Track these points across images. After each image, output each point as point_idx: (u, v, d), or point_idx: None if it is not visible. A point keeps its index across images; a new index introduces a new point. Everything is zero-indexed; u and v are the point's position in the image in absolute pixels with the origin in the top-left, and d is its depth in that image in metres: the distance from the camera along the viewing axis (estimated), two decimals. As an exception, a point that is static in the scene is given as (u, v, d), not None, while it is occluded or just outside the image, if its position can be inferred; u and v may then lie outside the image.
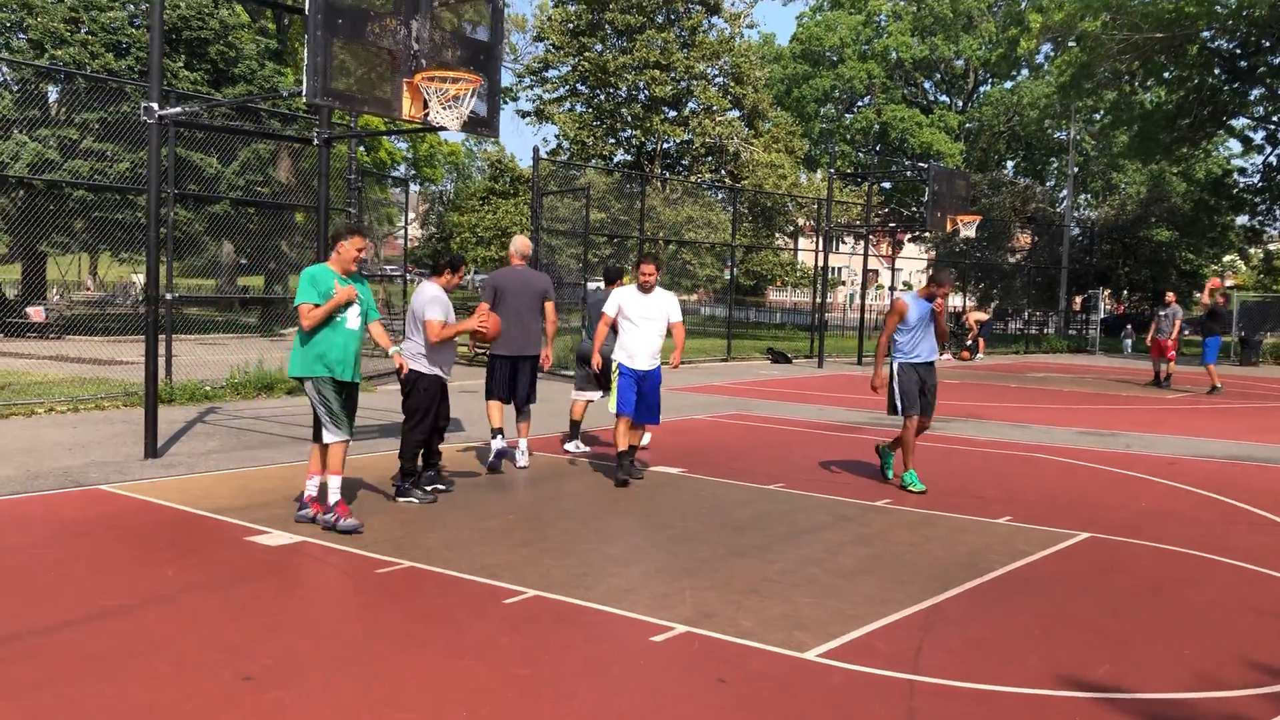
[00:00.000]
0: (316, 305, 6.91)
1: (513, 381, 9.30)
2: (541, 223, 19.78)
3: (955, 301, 48.86)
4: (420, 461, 8.12)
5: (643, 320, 8.87)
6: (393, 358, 7.66)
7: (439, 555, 6.40)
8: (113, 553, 6.31)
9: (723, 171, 35.71)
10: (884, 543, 7.12)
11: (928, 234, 41.57)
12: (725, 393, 16.25)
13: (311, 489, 7.21)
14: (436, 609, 5.45)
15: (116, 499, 7.67)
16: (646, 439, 10.26)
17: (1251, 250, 50.70)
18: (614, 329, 9.08)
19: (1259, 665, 4.92)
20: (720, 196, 35.02)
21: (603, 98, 35.75)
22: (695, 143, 34.96)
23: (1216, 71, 35.18)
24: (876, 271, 58.83)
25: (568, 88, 36.38)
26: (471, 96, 8.31)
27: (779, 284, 42.30)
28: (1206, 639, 5.32)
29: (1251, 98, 36.41)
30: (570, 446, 10.38)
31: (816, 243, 25.58)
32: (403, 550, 6.49)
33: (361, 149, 34.99)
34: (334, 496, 7.00)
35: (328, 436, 7.06)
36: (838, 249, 41.20)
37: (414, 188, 63.32)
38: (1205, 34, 32.74)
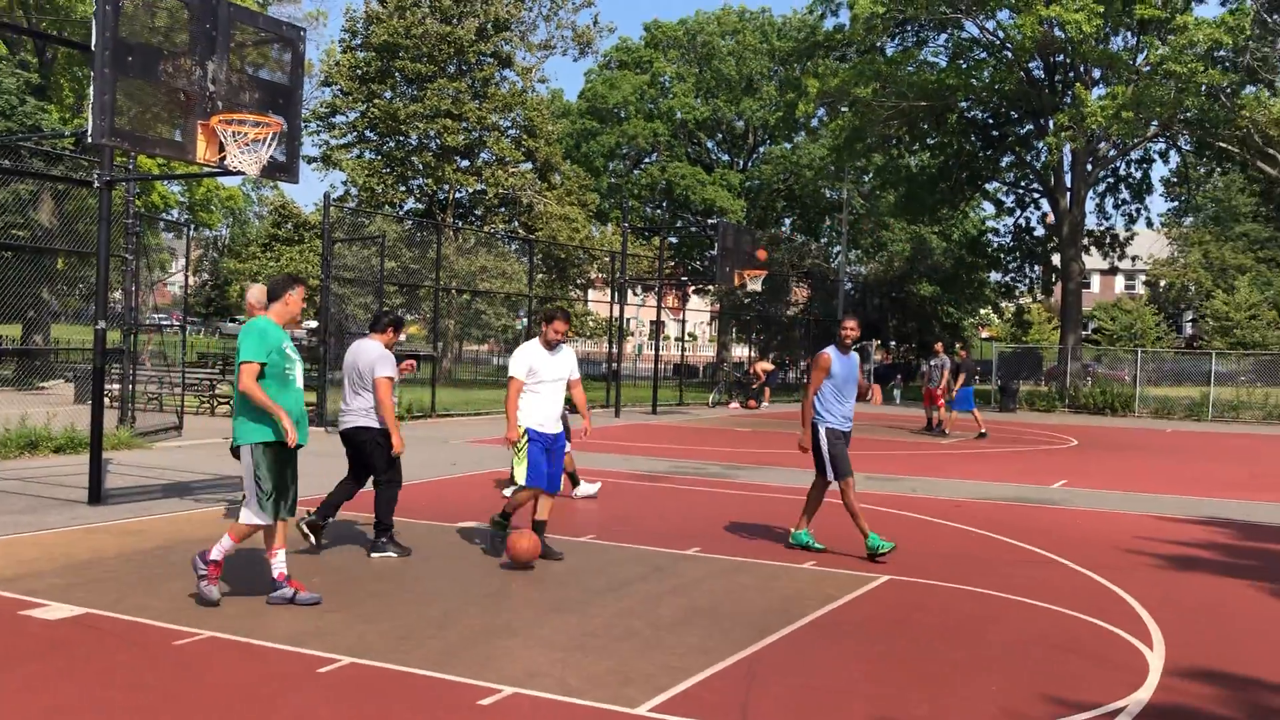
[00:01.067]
0: (263, 364, 6.27)
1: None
2: (331, 270, 19.22)
3: (740, 352, 50.53)
4: (320, 517, 8.13)
5: (554, 381, 8.06)
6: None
7: (241, 623, 6.01)
8: None
9: (516, 222, 35.78)
10: (700, 592, 7.18)
11: (713, 287, 42.85)
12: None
13: (279, 565, 6.50)
14: (244, 682, 5.10)
15: None
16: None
17: (1004, 304, 54.76)
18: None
19: (1058, 699, 5.21)
20: (514, 247, 35.05)
21: (393, 145, 35.28)
22: (489, 193, 34.94)
23: (973, 139, 38.05)
24: (664, 323, 60.06)
25: (356, 134, 35.71)
26: (272, 141, 8.00)
27: (571, 335, 42.56)
28: (1009, 675, 5.60)
29: (1003, 164, 39.56)
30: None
31: (611, 294, 25.91)
32: (201, 619, 6.06)
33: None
34: (216, 553, 6.40)
35: (246, 516, 6.36)
36: (627, 300, 41.87)
37: (191, 233, 60.29)
38: (963, 104, 35.39)
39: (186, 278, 18.78)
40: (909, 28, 36.40)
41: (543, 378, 8.00)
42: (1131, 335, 52.85)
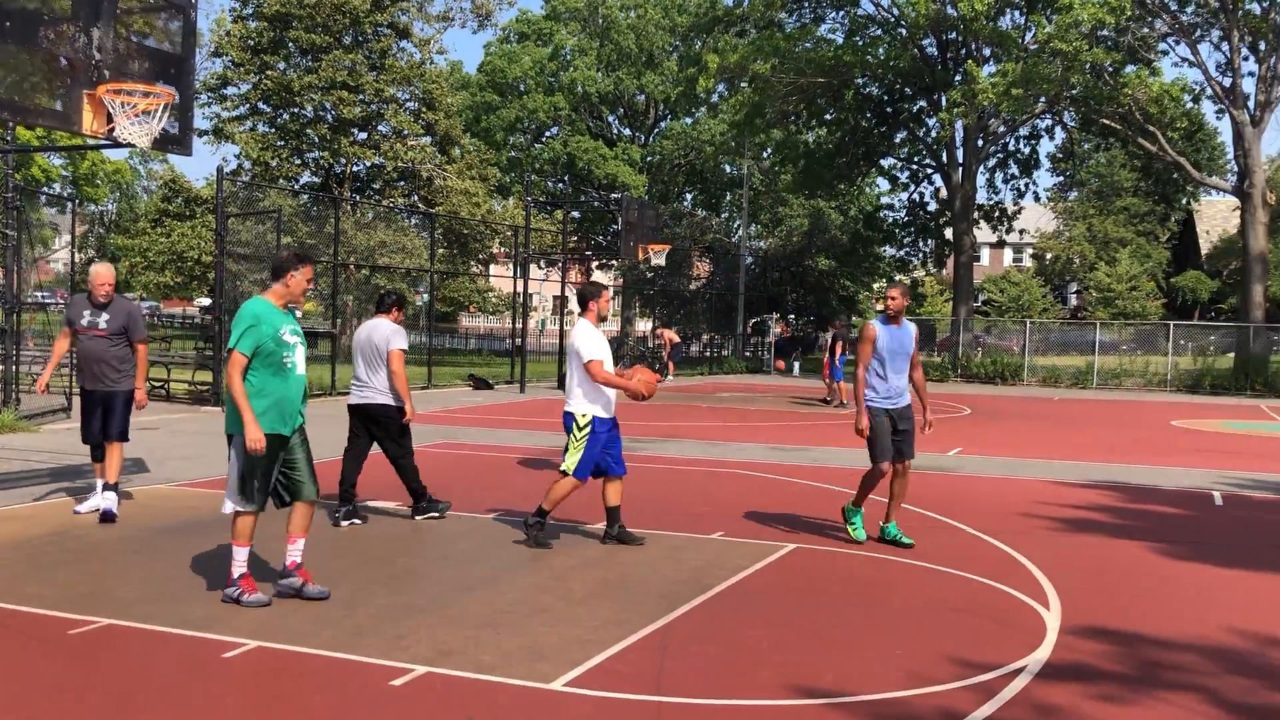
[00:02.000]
0: (246, 356, 5.90)
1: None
2: (225, 246, 18.69)
3: (643, 327, 50.67)
4: (348, 504, 8.46)
5: (609, 357, 7.75)
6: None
7: (138, 609, 5.84)
8: None
9: (416, 197, 35.23)
10: (612, 565, 7.22)
11: (617, 261, 42.87)
12: (430, 421, 15.97)
13: (295, 554, 6.21)
14: (145, 670, 4.97)
15: None
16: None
17: (899, 277, 55.93)
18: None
19: (962, 660, 5.38)
20: (414, 221, 34.53)
21: (287, 118, 34.38)
22: (387, 166, 34.31)
23: (869, 115, 38.65)
24: (568, 298, 59.90)
25: (248, 106, 34.70)
26: (164, 112, 7.74)
27: (473, 310, 42.20)
28: (914, 638, 5.76)
29: (898, 140, 40.30)
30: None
31: (514, 270, 25.73)
32: (97, 606, 5.88)
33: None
34: (238, 569, 6.03)
35: (230, 504, 6.04)
36: (531, 275, 41.63)
37: (75, 208, 57.99)
38: (859, 81, 35.91)
39: (73, 254, 18.07)
40: (806, 4, 36.77)
41: (605, 357, 7.64)
42: (1020, 307, 54.45)
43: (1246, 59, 31.53)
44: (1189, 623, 6.17)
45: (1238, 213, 35.03)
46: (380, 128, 35.41)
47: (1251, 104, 31.13)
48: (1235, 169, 33.61)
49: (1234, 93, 31.30)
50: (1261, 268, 32.44)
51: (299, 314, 6.63)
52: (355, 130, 34.73)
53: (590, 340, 7.59)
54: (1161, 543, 8.46)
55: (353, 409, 8.64)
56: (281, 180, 33.63)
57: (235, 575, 6.03)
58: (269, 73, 33.23)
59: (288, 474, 6.13)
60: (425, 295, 29.68)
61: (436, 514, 8.59)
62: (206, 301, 27.62)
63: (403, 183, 35.78)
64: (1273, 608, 6.51)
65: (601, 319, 7.80)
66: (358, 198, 34.99)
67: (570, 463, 7.59)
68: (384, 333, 8.41)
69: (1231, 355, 32.56)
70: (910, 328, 8.15)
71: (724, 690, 4.88)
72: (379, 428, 8.52)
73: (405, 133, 34.78)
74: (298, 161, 34.99)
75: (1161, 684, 5.11)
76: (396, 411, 8.44)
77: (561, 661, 5.18)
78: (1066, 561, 7.66)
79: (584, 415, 7.59)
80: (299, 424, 6.18)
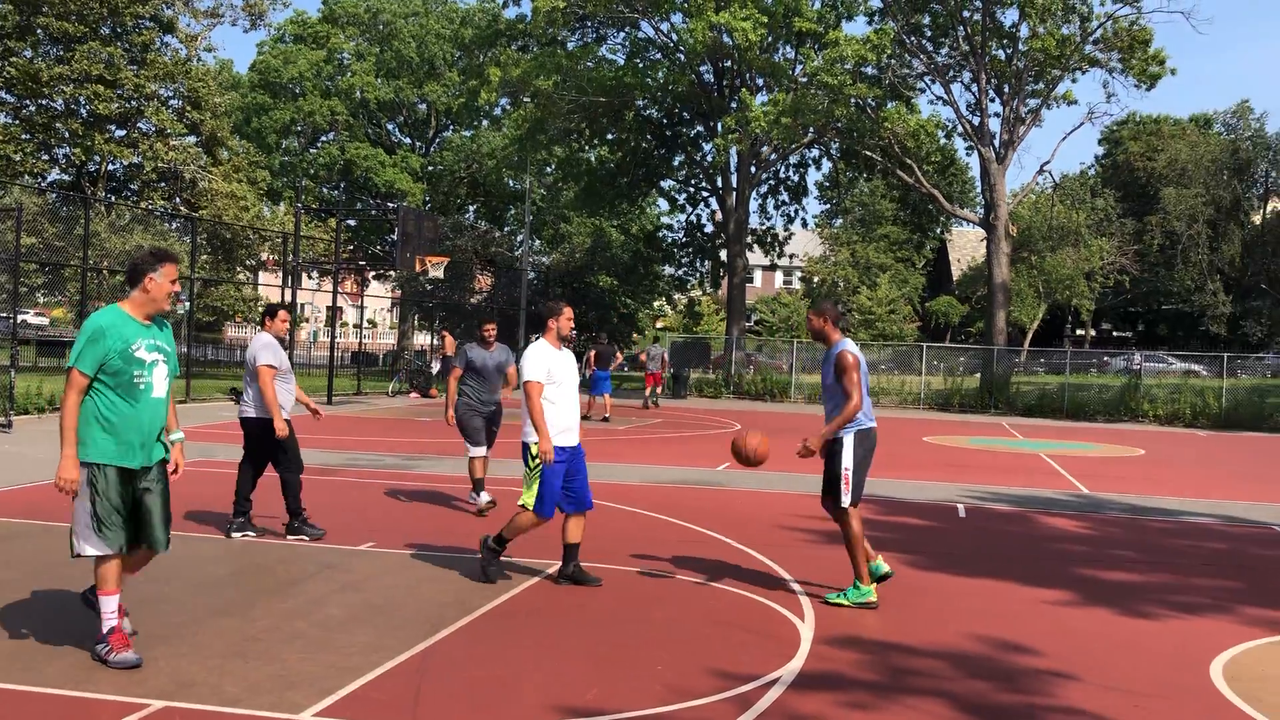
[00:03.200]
0: (85, 375, 5.08)
1: None
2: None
3: (422, 340, 49.76)
4: (242, 515, 8.57)
5: (571, 384, 7.16)
6: (173, 450, 5.48)
7: None
8: None
9: (178, 199, 33.37)
10: (373, 588, 6.98)
11: (393, 272, 41.96)
12: (189, 437, 15.07)
13: (111, 616, 5.22)
14: None
15: None
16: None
17: (678, 296, 57.26)
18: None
19: (721, 672, 5.48)
20: (175, 225, 32.69)
21: (34, 109, 31.91)
22: (146, 167, 32.34)
23: (649, 137, 39.44)
24: (342, 309, 58.18)
25: (-12, 94, 32.02)
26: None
27: (239, 320, 40.32)
28: (676, 653, 5.82)
29: (676, 163, 41.30)
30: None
31: (283, 278, 24.73)
32: None
33: None
34: (108, 622, 5.21)
35: (87, 548, 5.18)
36: (302, 285, 40.23)
37: None
38: (640, 103, 36.61)
39: None
40: (589, 24, 37.18)
41: (559, 380, 7.07)
42: (789, 327, 56.76)
43: (993, 100, 34.07)
44: (933, 630, 6.51)
45: (985, 243, 37.69)
46: (140, 125, 33.38)
47: (997, 141, 33.62)
48: (983, 202, 36.19)
49: (982, 131, 33.73)
50: (1004, 295, 35.04)
51: (175, 319, 5.88)
52: (112, 126, 32.59)
53: (535, 361, 7.02)
54: (910, 554, 8.92)
55: (240, 422, 8.71)
56: (26, 176, 31.15)
57: (105, 630, 5.22)
58: (14, 59, 30.76)
59: (138, 516, 5.27)
60: (186, 303, 28.09)
61: (307, 537, 8.44)
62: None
63: (164, 184, 33.82)
64: (1008, 614, 6.95)
65: (564, 340, 7.22)
66: (113, 198, 32.84)
67: (528, 498, 7.00)
68: (254, 347, 8.47)
69: (978, 376, 34.98)
70: (831, 354, 7.06)
71: (484, 713, 4.78)
72: (253, 441, 8.58)
73: (168, 132, 32.91)
74: (45, 157, 32.51)
75: (907, 690, 5.36)
76: (269, 424, 8.35)
77: (313, 691, 4.95)
78: (822, 573, 7.96)
79: (537, 443, 6.97)
80: (158, 458, 5.32)
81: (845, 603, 6.89)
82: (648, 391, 27.38)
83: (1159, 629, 6.72)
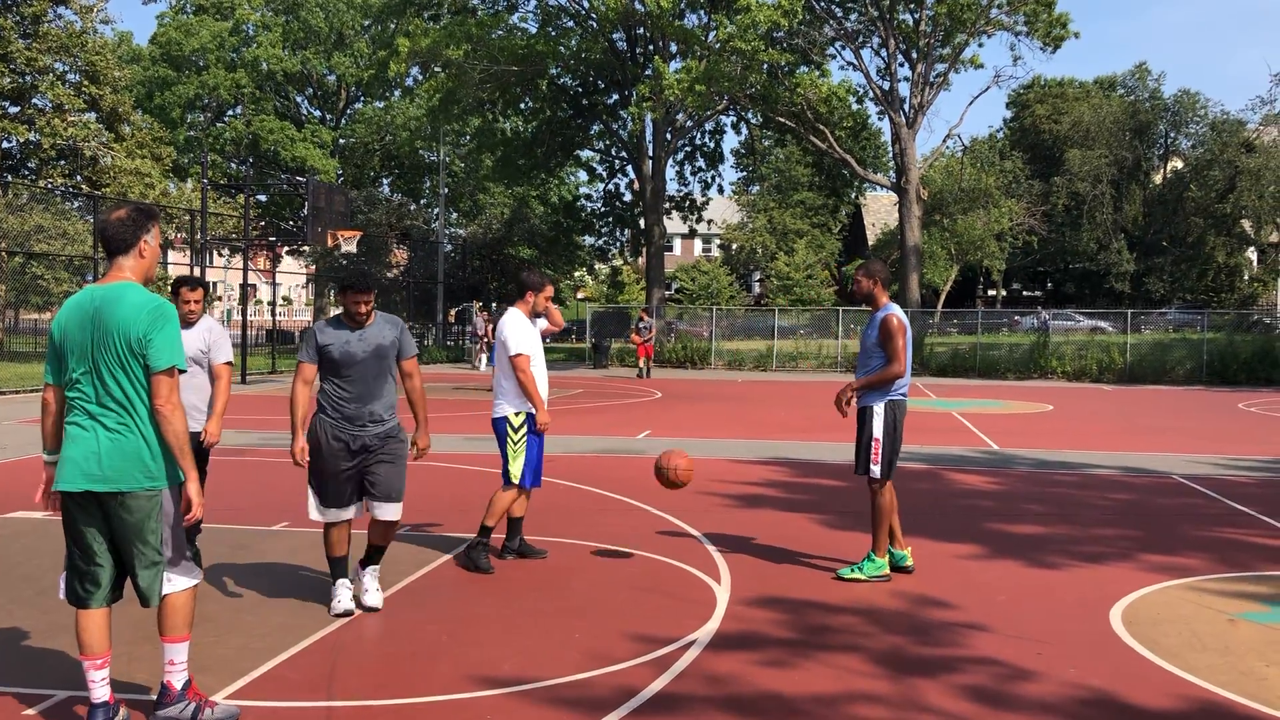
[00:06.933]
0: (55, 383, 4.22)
1: None
2: None
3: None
4: None
5: (540, 356, 7.07)
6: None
7: None
8: None
9: (79, 177, 32.30)
10: (286, 569, 6.88)
11: (307, 248, 41.20)
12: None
13: (101, 689, 4.17)
14: None
15: None
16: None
17: (599, 266, 57.13)
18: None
19: (641, 636, 5.52)
20: (77, 205, 31.65)
21: (-83, 85, 30.61)
22: (44, 144, 31.22)
23: (564, 106, 39.16)
24: (255, 286, 57.00)
25: None
26: None
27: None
28: (595, 620, 5.85)
29: (593, 132, 41.08)
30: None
31: (191, 256, 24.13)
32: None
33: None
34: (167, 674, 4.29)
35: (187, 579, 4.34)
36: (212, 263, 39.31)
37: None
38: (554, 71, 36.29)
39: None
40: (500, -9, 36.72)
41: (534, 352, 6.97)
42: (709, 294, 57.02)
43: (902, 65, 34.46)
44: (847, 587, 6.63)
45: (897, 207, 38.24)
46: (35, 101, 32.19)
47: (907, 106, 34.05)
48: (895, 166, 36.67)
49: (892, 95, 34.14)
50: (916, 258, 35.61)
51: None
52: (5, 103, 31.39)
53: (518, 332, 6.89)
54: (824, 513, 9.07)
55: None
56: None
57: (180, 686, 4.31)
58: (-107, 33, 29.45)
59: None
60: (91, 283, 27.26)
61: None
62: None
63: (63, 161, 32.70)
64: (920, 569, 7.10)
65: (536, 314, 7.09)
66: (9, 177, 31.69)
67: (515, 470, 6.90)
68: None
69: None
70: (877, 317, 6.84)
71: (400, 689, 4.76)
72: None
73: (65, 107, 31.78)
74: (-68, 134, 31.24)
75: (823, 646, 5.45)
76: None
77: (226, 673, 4.88)
78: (738, 536, 8.05)
79: (518, 415, 6.90)
80: (96, 488, 4.20)
81: (861, 576, 6.73)
82: (641, 363, 28.55)
83: (1063, 578, 6.93)
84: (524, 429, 6.93)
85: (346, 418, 5.80)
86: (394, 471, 5.91)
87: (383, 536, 6.03)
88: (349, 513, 5.96)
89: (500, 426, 6.97)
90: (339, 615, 5.79)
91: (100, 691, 4.16)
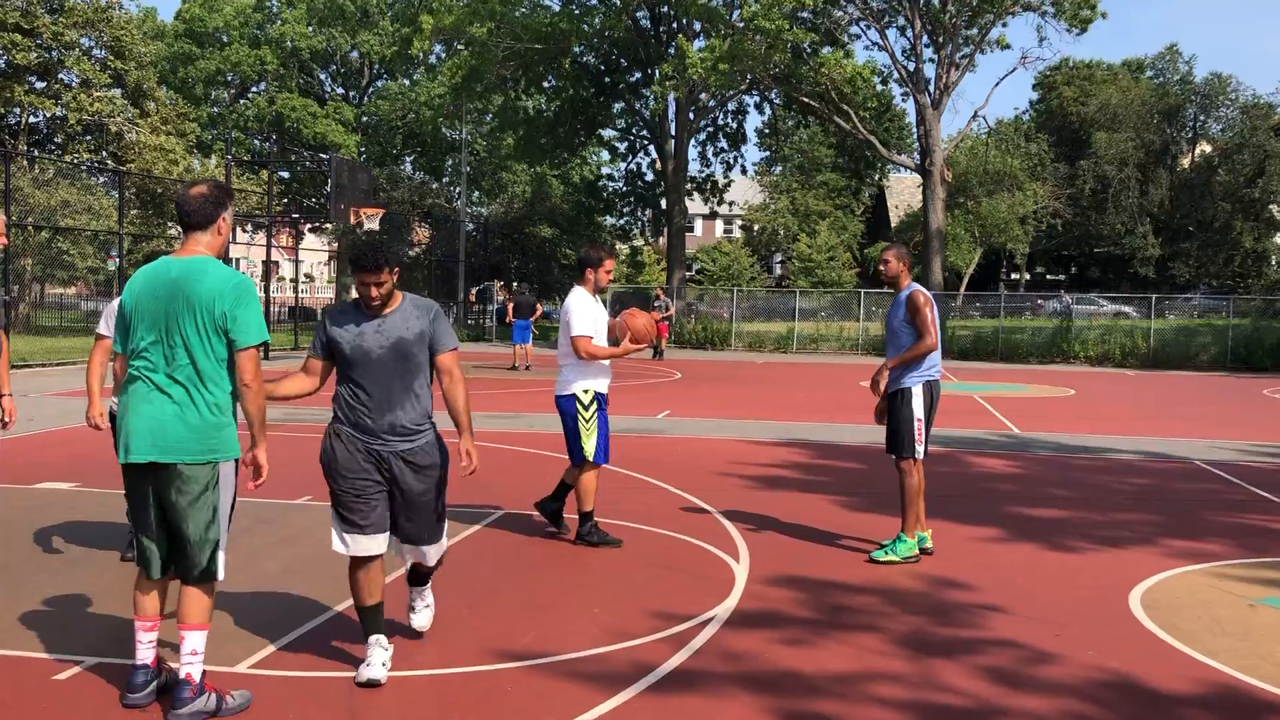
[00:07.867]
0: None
1: None
2: None
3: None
4: None
5: (605, 330, 6.95)
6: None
7: None
8: None
9: (105, 153, 32.49)
10: (309, 541, 6.95)
11: (330, 225, 41.35)
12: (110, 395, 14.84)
13: (146, 650, 4.22)
14: None
15: None
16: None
17: (620, 246, 57.06)
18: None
19: (657, 613, 5.55)
20: (103, 180, 31.85)
21: (-53, 59, 30.79)
22: (70, 119, 31.39)
23: (587, 85, 39.06)
24: (278, 263, 57.25)
25: (-104, 44, 30.81)
26: None
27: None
28: (612, 596, 5.89)
29: (615, 111, 40.98)
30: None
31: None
32: None
33: None
34: (187, 665, 4.15)
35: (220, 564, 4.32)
36: (235, 239, 39.50)
37: None
38: (577, 49, 36.18)
39: None
40: (523, -32, 36.58)
41: (601, 330, 6.87)
42: (729, 275, 56.85)
43: (928, 45, 34.19)
44: (867, 568, 6.64)
45: (921, 189, 38.00)
46: (62, 76, 32.36)
47: (932, 87, 33.79)
48: (919, 148, 36.43)
49: (917, 76, 33.88)
50: (939, 241, 35.41)
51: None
52: (32, 78, 31.56)
53: (582, 312, 6.79)
54: (844, 495, 9.08)
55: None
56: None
57: (192, 680, 4.16)
58: (-78, 8, 29.62)
59: None
60: (116, 260, 27.47)
61: None
62: None
63: (89, 137, 32.89)
64: (940, 551, 7.10)
65: (599, 290, 6.99)
66: (35, 152, 31.90)
67: (590, 447, 6.83)
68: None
69: (915, 321, 35.36)
70: (901, 297, 6.90)
71: (422, 661, 4.81)
72: None
73: (91, 82, 31.94)
74: (-40, 109, 31.46)
75: (841, 626, 5.47)
76: None
77: (250, 643, 4.95)
78: (758, 515, 8.07)
79: (587, 391, 6.84)
80: (149, 459, 4.16)
81: (894, 558, 6.68)
82: (660, 343, 28.22)
83: (1083, 562, 6.92)
84: (594, 406, 6.88)
85: (362, 429, 4.63)
86: (426, 505, 4.67)
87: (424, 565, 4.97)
88: (379, 543, 4.59)
89: (570, 405, 6.87)
90: (361, 685, 4.45)
91: (145, 653, 4.23)
